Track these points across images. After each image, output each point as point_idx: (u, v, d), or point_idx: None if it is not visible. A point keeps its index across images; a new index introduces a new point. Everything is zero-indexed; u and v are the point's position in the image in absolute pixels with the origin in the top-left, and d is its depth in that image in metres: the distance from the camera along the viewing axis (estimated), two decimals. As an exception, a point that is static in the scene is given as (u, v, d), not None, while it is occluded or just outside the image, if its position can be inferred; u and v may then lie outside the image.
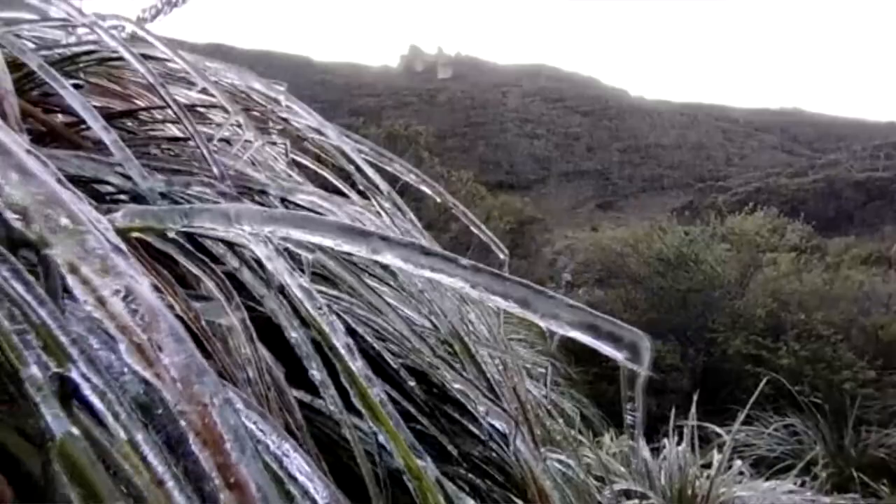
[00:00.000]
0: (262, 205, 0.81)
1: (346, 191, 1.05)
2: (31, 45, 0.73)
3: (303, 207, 0.82)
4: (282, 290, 0.53)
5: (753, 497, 3.27)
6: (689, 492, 3.13)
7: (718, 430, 4.21)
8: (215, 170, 0.74)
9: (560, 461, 1.31)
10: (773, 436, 5.29)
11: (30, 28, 0.72)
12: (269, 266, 0.40)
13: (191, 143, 1.00)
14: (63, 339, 0.26)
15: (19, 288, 0.28)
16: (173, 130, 1.01)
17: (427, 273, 0.32)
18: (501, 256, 1.09)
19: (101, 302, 0.25)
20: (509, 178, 38.82)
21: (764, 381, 3.92)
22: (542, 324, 0.32)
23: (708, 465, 3.37)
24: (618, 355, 0.30)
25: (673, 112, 50.17)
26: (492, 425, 0.87)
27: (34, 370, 0.25)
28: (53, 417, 0.24)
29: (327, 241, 0.36)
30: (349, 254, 0.42)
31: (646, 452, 3.25)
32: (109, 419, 0.25)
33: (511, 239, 11.88)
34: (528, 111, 48.94)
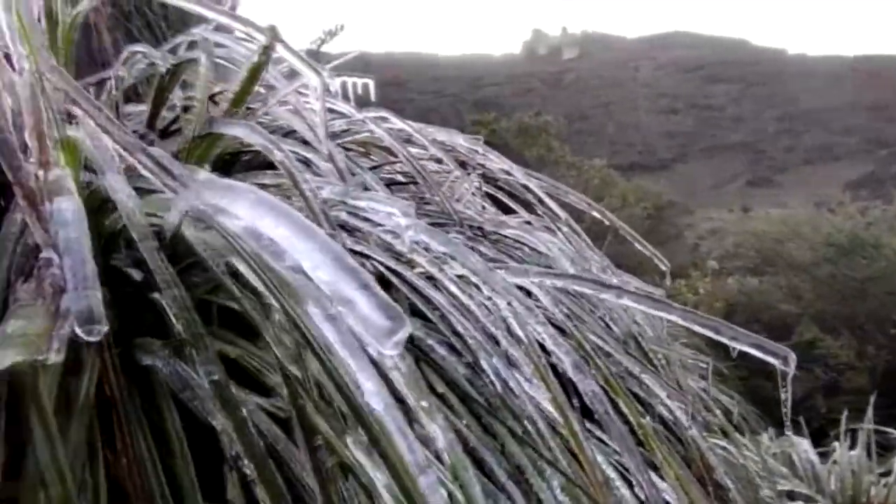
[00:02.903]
0: (474, 237, 1.09)
1: (531, 219, 1.31)
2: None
3: (508, 237, 1.09)
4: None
5: (945, 510, 2.96)
6: (864, 499, 2.93)
7: (902, 435, 3.80)
8: (451, 211, 1.04)
9: (720, 446, 1.44)
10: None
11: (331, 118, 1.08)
12: (542, 299, 0.66)
13: (411, 186, 1.33)
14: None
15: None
16: (399, 178, 1.35)
17: (655, 313, 0.55)
18: (663, 268, 1.27)
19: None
20: (643, 159, 36.59)
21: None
22: (728, 343, 0.53)
23: (888, 473, 3.11)
24: (774, 360, 0.49)
25: (844, 68, 43.06)
26: (662, 412, 1.06)
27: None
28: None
29: (587, 290, 0.60)
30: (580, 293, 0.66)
31: (813, 455, 3.10)
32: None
33: (648, 225, 11.39)
34: (663, 84, 45.48)
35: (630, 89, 45.44)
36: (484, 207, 1.35)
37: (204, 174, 0.43)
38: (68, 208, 0.38)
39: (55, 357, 0.30)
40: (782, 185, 32.84)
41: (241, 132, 0.62)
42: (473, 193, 1.37)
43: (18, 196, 0.40)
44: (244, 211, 0.31)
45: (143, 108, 1.17)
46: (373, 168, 1.26)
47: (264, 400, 0.50)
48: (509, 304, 0.51)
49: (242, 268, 0.39)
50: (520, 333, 0.53)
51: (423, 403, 0.39)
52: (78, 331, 0.31)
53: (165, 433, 0.41)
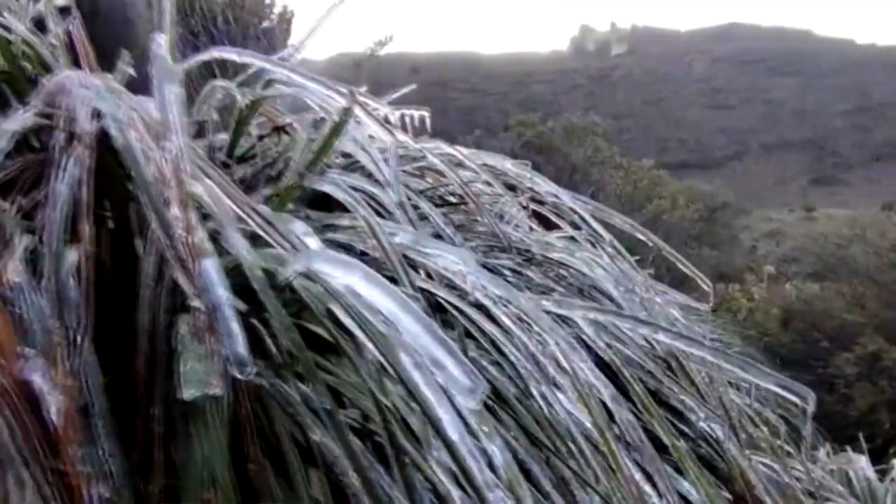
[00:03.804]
0: (523, 263, 1.17)
1: (578, 238, 1.37)
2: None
3: (554, 260, 1.17)
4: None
5: None
6: (926, 520, 2.81)
7: (975, 456, 3.59)
8: (501, 236, 1.12)
9: (764, 464, 1.46)
10: None
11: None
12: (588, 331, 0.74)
13: (461, 206, 1.43)
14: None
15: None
16: (451, 199, 1.44)
17: (687, 349, 0.62)
18: (706, 288, 1.31)
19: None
20: (696, 157, 35.32)
21: None
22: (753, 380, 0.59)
23: (956, 495, 2.96)
24: (796, 399, 0.55)
25: (920, 57, 40.07)
26: (703, 429, 1.11)
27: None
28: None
29: (626, 325, 0.68)
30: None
31: (870, 472, 2.99)
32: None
33: (700, 227, 11.06)
34: (719, 79, 43.69)
35: (683, 84, 43.90)
36: (531, 228, 1.42)
37: (314, 242, 0.53)
38: (213, 269, 0.49)
39: (219, 391, 0.41)
40: (848, 183, 30.95)
41: (329, 189, 0.72)
42: (521, 214, 1.45)
43: (171, 257, 0.52)
44: (356, 282, 0.41)
45: (223, 137, 1.32)
46: (425, 190, 1.37)
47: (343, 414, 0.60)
48: (556, 343, 0.59)
49: (342, 316, 0.49)
50: (566, 365, 0.61)
51: (485, 428, 0.48)
52: (234, 372, 0.41)
53: (280, 442, 0.52)
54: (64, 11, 0.95)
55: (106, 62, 0.96)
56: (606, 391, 0.58)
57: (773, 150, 36.70)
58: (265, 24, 5.32)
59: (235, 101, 1.21)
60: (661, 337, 0.63)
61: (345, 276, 0.42)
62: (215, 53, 0.90)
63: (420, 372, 0.41)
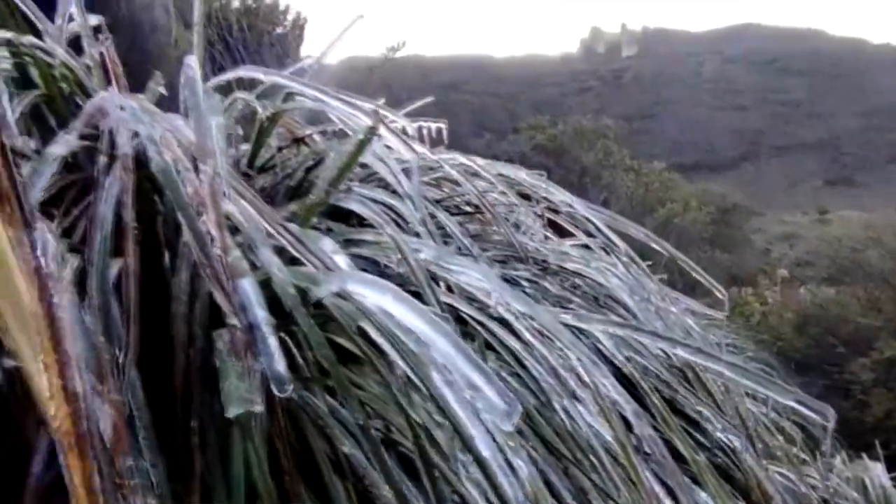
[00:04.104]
0: (540, 274, 1.19)
1: (591, 246, 1.38)
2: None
3: (570, 270, 1.18)
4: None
5: None
6: (944, 529, 2.77)
7: None
8: (518, 247, 1.14)
9: (780, 473, 1.46)
10: None
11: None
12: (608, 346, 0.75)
13: (477, 216, 1.45)
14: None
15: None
16: (466, 208, 1.46)
17: (704, 363, 0.63)
18: (720, 296, 1.31)
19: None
20: (708, 158, 35.03)
21: None
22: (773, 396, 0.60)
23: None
24: (815, 417, 0.56)
25: (937, 57, 39.45)
26: (720, 439, 1.12)
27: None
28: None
29: (645, 339, 0.69)
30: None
31: (886, 480, 2.96)
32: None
33: (713, 230, 10.97)
34: (730, 79, 43.32)
35: (694, 85, 43.58)
36: (546, 237, 1.44)
37: (343, 260, 0.55)
38: (250, 289, 0.51)
39: (259, 408, 0.43)
40: (863, 185, 30.53)
41: (356, 207, 0.75)
42: (536, 223, 1.47)
43: (208, 276, 0.54)
44: (389, 303, 0.43)
45: (244, 148, 1.34)
46: (441, 200, 1.38)
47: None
48: (578, 358, 0.60)
49: (373, 333, 0.51)
50: (587, 379, 0.62)
51: (511, 443, 0.50)
52: (274, 390, 0.43)
53: (313, 452, 0.54)
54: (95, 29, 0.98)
55: (128, 69, 0.99)
56: (629, 406, 0.59)
57: (785, 152, 36.32)
58: (278, 30, 5.39)
59: (256, 113, 1.24)
60: (679, 352, 0.64)
61: (378, 298, 0.44)
62: (242, 73, 0.92)
63: (450, 389, 0.42)
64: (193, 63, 0.70)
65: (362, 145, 0.74)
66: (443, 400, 0.43)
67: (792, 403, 0.57)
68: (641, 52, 49.90)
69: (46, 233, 0.24)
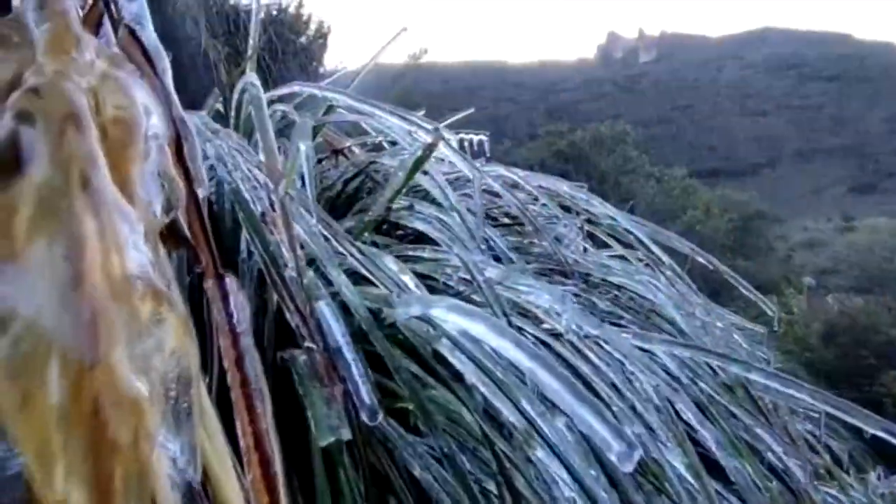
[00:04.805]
0: (587, 290, 1.17)
1: (629, 257, 1.36)
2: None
3: (615, 284, 1.16)
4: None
5: None
6: None
7: None
8: (563, 261, 1.12)
9: (829, 494, 1.41)
10: None
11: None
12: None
13: (515, 227, 1.43)
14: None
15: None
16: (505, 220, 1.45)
17: (784, 390, 0.61)
18: (769, 313, 1.28)
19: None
20: (728, 164, 34.57)
21: None
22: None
23: None
24: (868, 428, 0.54)
25: (966, 60, 38.50)
26: (771, 459, 1.08)
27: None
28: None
29: (714, 361, 0.67)
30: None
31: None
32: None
33: (735, 238, 10.78)
34: (751, 84, 42.75)
35: (713, 91, 43.11)
36: (586, 249, 1.42)
37: (410, 280, 0.54)
38: (328, 312, 0.51)
39: (348, 436, 0.42)
40: (889, 191, 29.83)
41: (422, 227, 0.74)
42: (574, 234, 1.45)
43: (283, 297, 0.54)
44: (482, 332, 0.42)
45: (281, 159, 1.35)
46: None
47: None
48: (656, 387, 0.59)
49: (451, 357, 0.50)
50: (658, 403, 0.61)
51: (591, 472, 0.48)
52: (364, 419, 0.43)
53: (385, 473, 0.53)
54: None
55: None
56: (710, 435, 0.58)
57: (808, 158, 35.66)
58: (302, 39, 5.45)
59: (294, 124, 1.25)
60: (754, 376, 0.62)
61: (468, 325, 0.43)
62: (296, 88, 0.93)
63: (543, 419, 0.41)
64: (256, 82, 0.70)
65: (420, 162, 0.74)
66: (541, 430, 0.42)
67: (880, 434, 0.55)
68: (659, 57, 49.53)
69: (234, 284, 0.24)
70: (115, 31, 0.20)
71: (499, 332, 0.40)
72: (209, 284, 0.23)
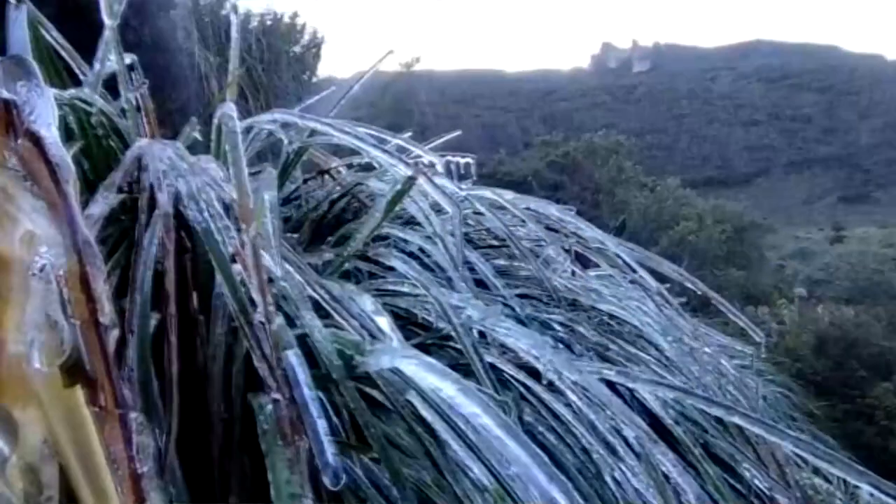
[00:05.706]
0: (574, 319, 1.16)
1: (616, 277, 1.35)
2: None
3: (604, 311, 1.15)
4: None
5: None
6: None
7: None
8: (550, 289, 1.11)
9: (818, 521, 1.40)
10: None
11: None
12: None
13: (503, 249, 1.42)
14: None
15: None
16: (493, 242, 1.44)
17: (770, 437, 0.59)
18: (757, 339, 1.27)
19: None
20: (720, 174, 34.84)
21: None
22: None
23: None
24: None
25: (954, 73, 39.12)
26: (760, 490, 1.07)
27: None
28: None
29: (700, 405, 0.65)
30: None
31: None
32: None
33: (728, 248, 10.83)
34: (743, 95, 43.20)
35: (706, 101, 43.53)
36: (574, 273, 1.41)
37: (385, 323, 0.53)
38: (296, 363, 0.49)
39: (309, 503, 0.41)
40: (879, 202, 30.13)
41: (399, 266, 0.73)
42: (562, 257, 1.44)
43: (251, 344, 0.52)
44: (453, 393, 0.40)
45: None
46: (466, 234, 1.36)
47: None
48: (636, 437, 0.57)
49: (425, 412, 0.48)
50: (638, 449, 0.59)
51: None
52: (327, 482, 0.41)
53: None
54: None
55: (151, 90, 0.97)
56: (691, 490, 0.56)
57: (799, 168, 36.01)
58: (296, 49, 5.45)
59: (280, 142, 1.24)
60: (737, 420, 0.61)
61: (439, 384, 0.42)
62: (277, 115, 0.91)
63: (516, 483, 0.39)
64: (233, 113, 0.68)
65: (398, 197, 0.72)
66: (506, 492, 0.40)
67: (868, 487, 0.53)
68: (653, 67, 50.01)
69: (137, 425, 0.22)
70: (16, 137, 0.18)
71: (469, 395, 0.39)
72: (108, 427, 0.21)
